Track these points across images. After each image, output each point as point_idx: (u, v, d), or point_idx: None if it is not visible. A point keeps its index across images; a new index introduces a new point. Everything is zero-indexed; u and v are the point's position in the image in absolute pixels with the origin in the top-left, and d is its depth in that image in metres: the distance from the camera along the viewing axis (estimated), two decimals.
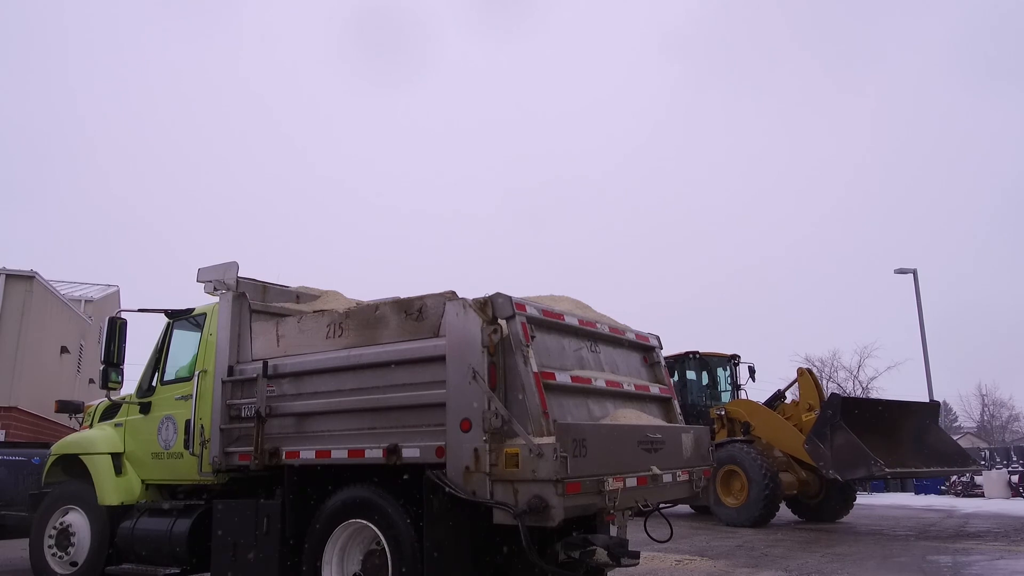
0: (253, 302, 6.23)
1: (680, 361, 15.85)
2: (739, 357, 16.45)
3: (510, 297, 4.66)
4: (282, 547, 5.24)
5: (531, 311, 4.80)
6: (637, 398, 5.73)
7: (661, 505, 5.93)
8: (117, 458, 6.81)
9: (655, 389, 6.04)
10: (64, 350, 19.85)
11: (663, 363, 6.37)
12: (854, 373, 37.40)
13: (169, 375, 6.71)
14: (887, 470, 11.18)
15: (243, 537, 5.48)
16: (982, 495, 22.41)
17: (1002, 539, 11.05)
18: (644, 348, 6.29)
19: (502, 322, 4.60)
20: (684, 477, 5.55)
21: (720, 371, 16.54)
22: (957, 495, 23.06)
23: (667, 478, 5.23)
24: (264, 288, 6.56)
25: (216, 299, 6.27)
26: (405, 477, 4.78)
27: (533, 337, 4.68)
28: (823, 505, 13.68)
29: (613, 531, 5.09)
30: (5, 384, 16.59)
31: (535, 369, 4.52)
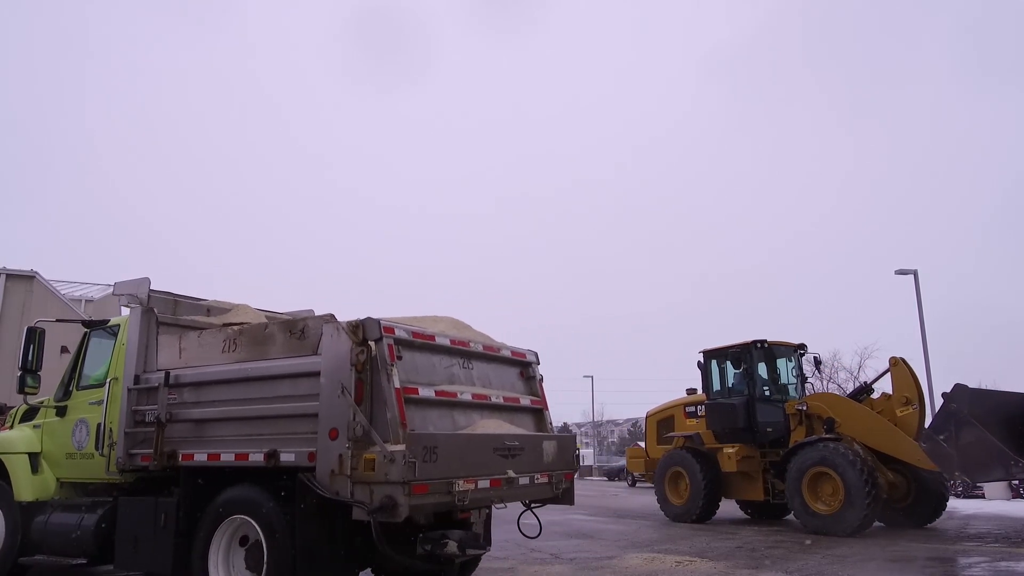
0: (163, 315, 6.79)
1: (745, 351, 14.45)
2: (806, 347, 15.07)
3: (379, 321, 5.32)
4: (177, 540, 5.81)
5: (400, 333, 5.46)
6: (506, 409, 6.42)
7: (533, 505, 6.69)
8: (34, 457, 7.29)
9: (526, 401, 6.74)
10: (64, 350, 19.81)
11: (538, 377, 7.07)
12: (855, 374, 36.61)
13: (85, 381, 7.23)
14: None
15: (143, 531, 6.04)
16: (982, 496, 22.26)
17: (1003, 541, 11.02)
18: (521, 364, 6.98)
19: (371, 343, 5.26)
20: (543, 480, 6.27)
21: (784, 362, 15.10)
22: (957, 496, 22.72)
23: (524, 480, 5.95)
24: (176, 302, 7.11)
25: None
26: (283, 479, 5.40)
27: (400, 357, 5.34)
28: (912, 509, 12.59)
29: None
30: (5, 384, 16.64)
31: (397, 385, 5.18)
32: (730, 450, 14.03)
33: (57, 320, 7.32)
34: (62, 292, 21.14)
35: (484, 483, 5.47)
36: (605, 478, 46.19)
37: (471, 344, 6.30)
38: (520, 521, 6.77)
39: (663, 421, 16.72)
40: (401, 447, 4.84)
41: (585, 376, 58.69)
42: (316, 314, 7.84)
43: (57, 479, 7.21)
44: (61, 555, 6.73)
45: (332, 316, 5.50)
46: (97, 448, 6.66)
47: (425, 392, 5.52)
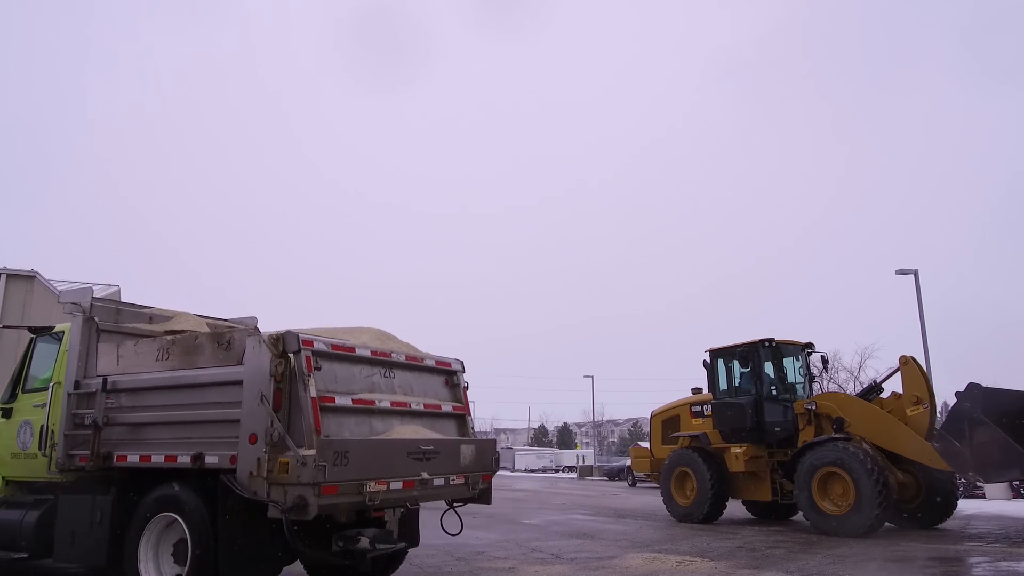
0: (104, 323, 7.16)
1: (753, 350, 14.35)
2: (813, 346, 14.93)
3: (297, 334, 5.76)
4: (111, 535, 6.22)
5: (319, 346, 5.91)
6: (427, 415, 6.89)
7: (455, 504, 7.18)
8: None
9: (447, 407, 7.21)
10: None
11: (463, 384, 7.53)
12: (855, 374, 37.13)
13: (31, 384, 7.60)
14: None
15: (80, 527, 6.44)
16: (983, 496, 22.37)
17: (1004, 541, 11.10)
18: (446, 372, 7.45)
19: (290, 355, 5.70)
20: (459, 481, 6.74)
21: (792, 361, 14.97)
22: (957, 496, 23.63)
23: (438, 482, 6.42)
24: (118, 311, 7.48)
25: None
26: (208, 480, 5.83)
27: (318, 368, 5.78)
28: (921, 510, 12.56)
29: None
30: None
31: (313, 394, 5.63)
32: (737, 450, 13.97)
33: (4, 327, 7.65)
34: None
35: (397, 484, 5.93)
36: (605, 478, 46.24)
37: (393, 355, 6.75)
38: (443, 520, 7.26)
39: (668, 421, 16.72)
40: (312, 452, 5.30)
41: (585, 376, 59.24)
42: (258, 323, 8.28)
43: (2, 477, 7.56)
44: (3, 549, 7.10)
45: (256, 329, 5.94)
46: (40, 448, 7.03)
47: (342, 400, 5.97)
